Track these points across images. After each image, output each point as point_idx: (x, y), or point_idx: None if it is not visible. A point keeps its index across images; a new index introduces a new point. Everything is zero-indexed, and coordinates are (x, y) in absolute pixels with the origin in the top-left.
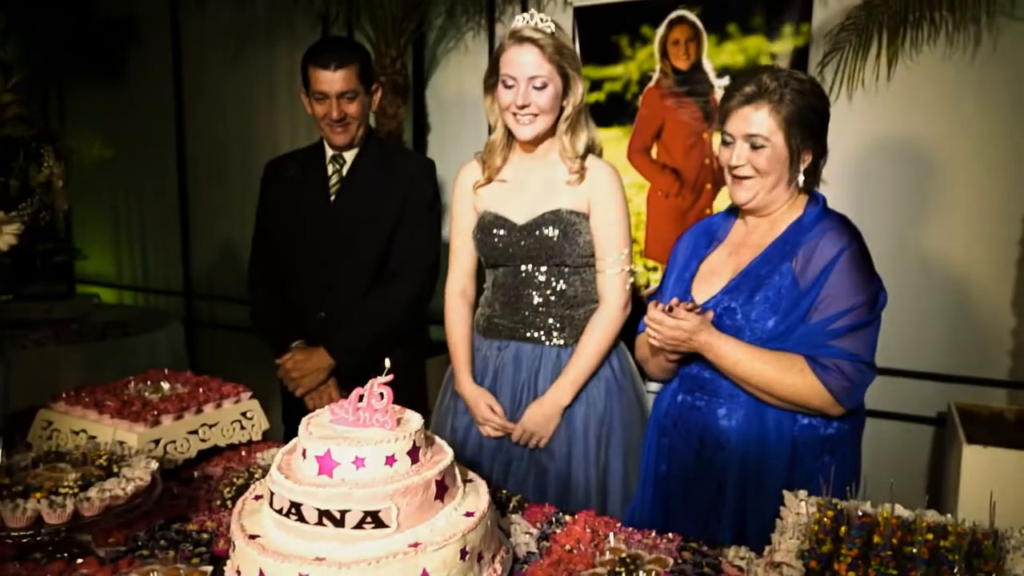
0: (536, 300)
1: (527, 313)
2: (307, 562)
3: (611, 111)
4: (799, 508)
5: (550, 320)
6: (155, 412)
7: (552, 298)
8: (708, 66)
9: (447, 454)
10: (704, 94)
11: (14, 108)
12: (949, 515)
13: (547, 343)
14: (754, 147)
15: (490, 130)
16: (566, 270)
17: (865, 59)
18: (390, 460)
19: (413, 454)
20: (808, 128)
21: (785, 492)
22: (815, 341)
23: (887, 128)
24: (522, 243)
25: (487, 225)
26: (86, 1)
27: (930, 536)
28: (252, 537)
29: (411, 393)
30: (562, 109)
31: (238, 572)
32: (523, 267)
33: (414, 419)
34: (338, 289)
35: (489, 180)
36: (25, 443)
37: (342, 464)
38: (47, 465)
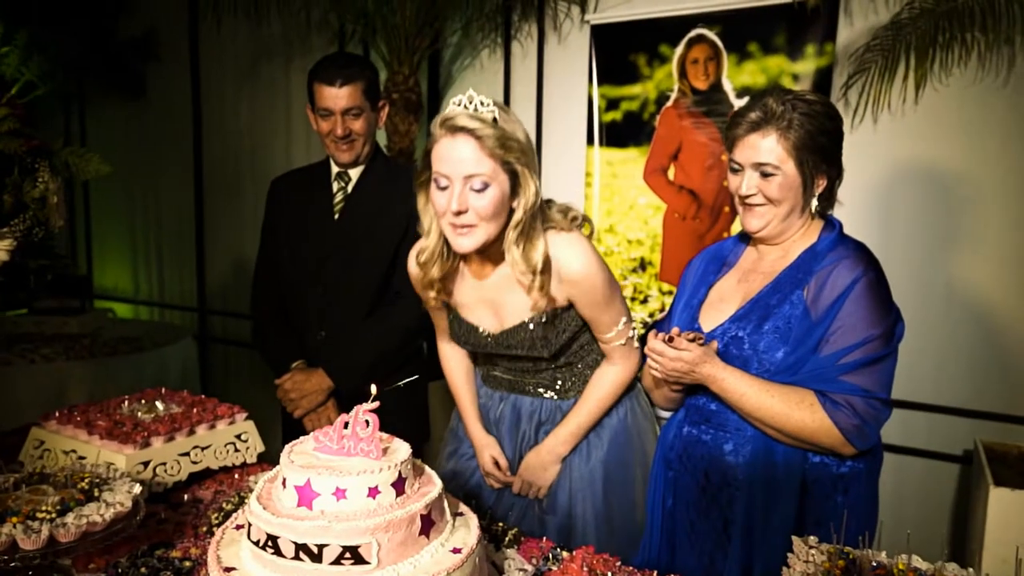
0: (534, 367)
1: (523, 371)
2: None
3: (628, 131)
4: (808, 556)
5: (548, 375)
6: (145, 433)
7: (549, 364)
8: (728, 86)
9: (435, 486)
10: (723, 114)
11: (8, 122)
12: (971, 570)
13: (548, 396)
14: (764, 175)
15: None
16: (559, 351)
17: (892, 81)
18: (373, 492)
19: (398, 486)
20: (820, 152)
21: (794, 538)
22: (826, 375)
23: (913, 153)
24: (504, 347)
25: (458, 329)
26: (107, 20)
27: None
28: (227, 569)
29: (413, 417)
30: (510, 213)
31: None
32: (511, 359)
33: (401, 449)
34: (340, 309)
35: (441, 294)
36: (18, 462)
37: (322, 495)
38: (30, 487)
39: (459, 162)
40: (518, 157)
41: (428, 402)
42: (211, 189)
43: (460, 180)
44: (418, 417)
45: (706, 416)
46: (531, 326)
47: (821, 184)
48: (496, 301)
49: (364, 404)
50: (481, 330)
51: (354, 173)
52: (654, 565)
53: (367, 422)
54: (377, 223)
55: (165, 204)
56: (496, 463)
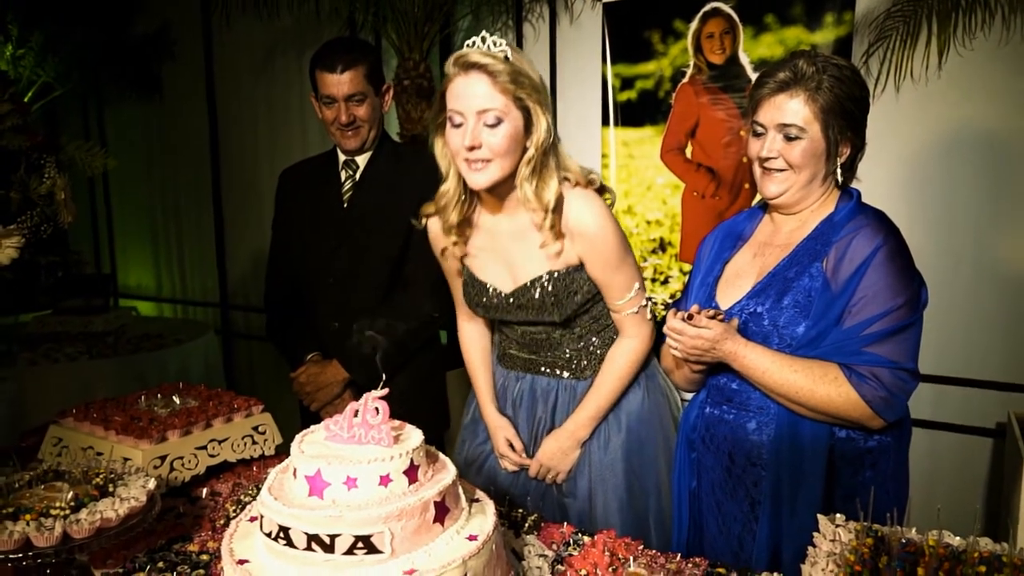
0: (545, 340)
1: (539, 349)
2: None
3: (643, 109)
4: (834, 534)
5: (567, 355)
6: (161, 428)
7: (562, 338)
8: (744, 60)
9: (449, 472)
10: (740, 89)
11: (12, 118)
12: (1005, 544)
13: (564, 376)
14: (788, 138)
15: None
16: (575, 317)
17: (914, 48)
18: (384, 480)
19: (410, 473)
20: (847, 118)
21: (819, 517)
22: (850, 347)
23: (938, 121)
24: (515, 307)
25: (472, 291)
26: (120, 19)
27: (982, 569)
28: (241, 562)
29: (431, 405)
30: (524, 151)
31: None
32: (524, 325)
33: (413, 436)
34: (353, 298)
35: (458, 244)
36: (38, 460)
37: (333, 485)
38: (45, 484)
39: (472, 98)
40: (530, 94)
41: (446, 390)
42: (229, 184)
43: (474, 116)
44: (436, 405)
45: (728, 396)
46: (543, 283)
47: (844, 153)
48: (510, 255)
49: (373, 392)
50: (494, 289)
51: (361, 160)
52: (683, 548)
53: (377, 410)
54: (386, 210)
55: (184, 201)
56: (511, 445)
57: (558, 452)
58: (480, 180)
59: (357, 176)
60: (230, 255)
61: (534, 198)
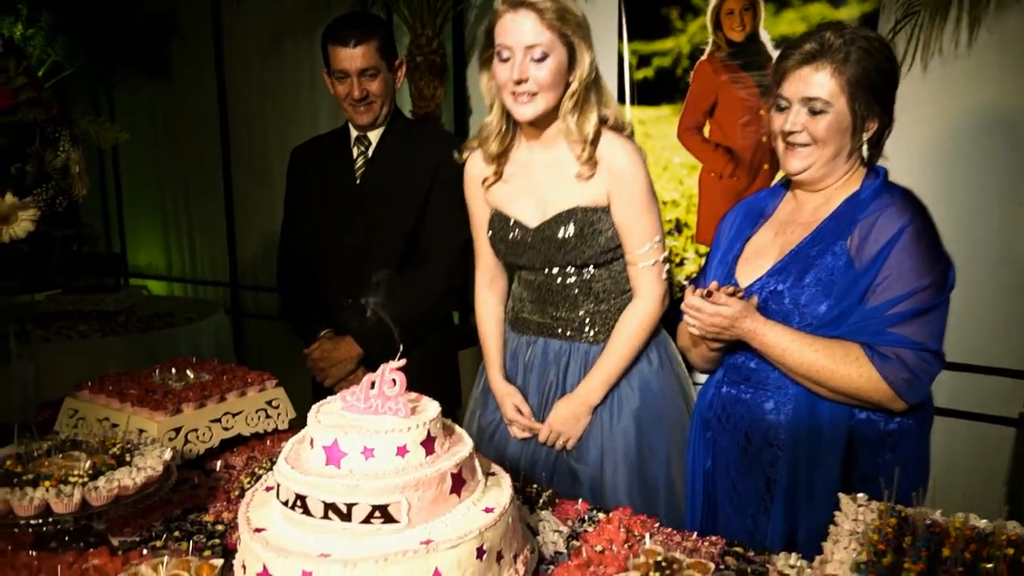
0: (561, 298)
1: (553, 310)
2: (311, 558)
3: (660, 88)
4: (856, 514)
5: (578, 316)
6: (176, 400)
7: (578, 294)
8: (765, 37)
9: (466, 445)
10: (761, 67)
11: (27, 91)
12: None
13: (577, 339)
14: (813, 112)
15: None
16: (591, 267)
17: (943, 25)
18: (401, 451)
19: (427, 444)
20: (874, 92)
21: (841, 496)
22: (873, 327)
23: (966, 100)
24: (538, 246)
25: (498, 226)
26: None
27: (1010, 551)
28: (258, 530)
29: (442, 385)
30: (567, 85)
31: (244, 567)
32: (544, 270)
33: (430, 407)
34: (366, 275)
35: (497, 175)
36: (54, 432)
37: (350, 454)
38: (63, 454)
39: (520, 33)
40: (575, 31)
41: (458, 369)
42: (239, 163)
43: (521, 51)
44: (448, 384)
45: (745, 375)
46: (569, 217)
47: (871, 128)
48: (541, 188)
49: (391, 363)
50: (521, 224)
51: (373, 136)
52: (696, 528)
53: (394, 381)
54: (399, 186)
55: (194, 181)
56: (519, 410)
57: (569, 417)
58: (526, 112)
59: (369, 152)
60: (240, 234)
61: (576, 130)
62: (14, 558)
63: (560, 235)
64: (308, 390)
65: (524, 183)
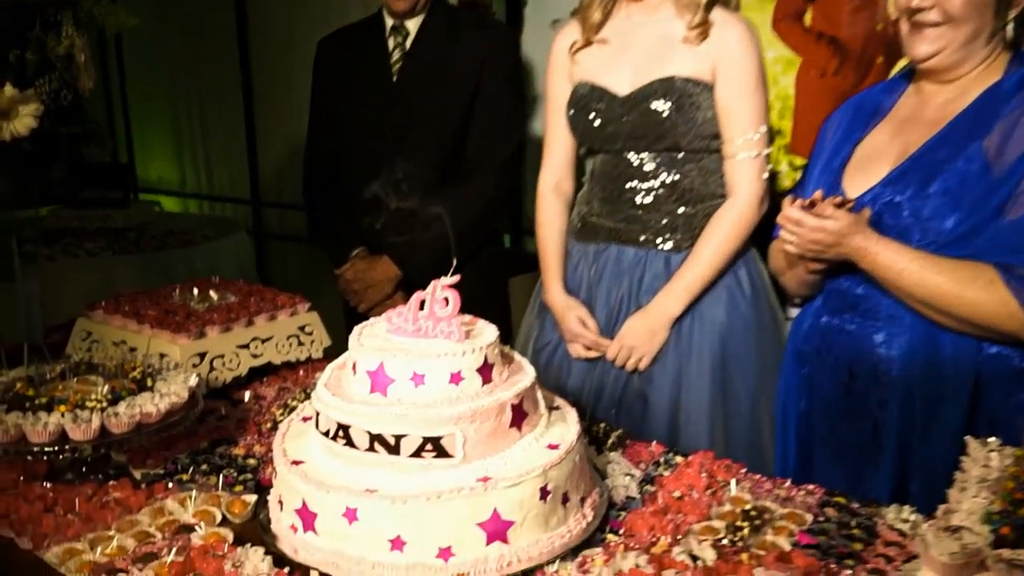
0: (642, 194)
1: (631, 210)
2: (356, 494)
3: None
4: (988, 459)
5: (659, 219)
6: (200, 323)
7: (662, 192)
8: None
9: (527, 374)
10: None
11: None
12: None
13: (655, 247)
14: None
15: None
16: (680, 156)
17: None
18: (455, 378)
19: (484, 372)
20: None
21: (969, 439)
22: (1010, 245)
23: None
24: (624, 119)
25: (582, 98)
26: None
27: None
28: (295, 463)
29: (490, 315)
30: None
31: (280, 502)
32: (626, 153)
33: (487, 331)
34: (404, 188)
35: (588, 42)
36: (64, 356)
37: (398, 381)
38: (78, 377)
39: None
40: None
41: (509, 299)
42: (259, 67)
43: None
44: (498, 315)
45: (851, 302)
46: (667, 86)
47: (1020, 3)
48: (638, 53)
49: (442, 279)
50: (609, 92)
51: (412, 26)
52: (783, 474)
53: (447, 300)
54: (441, 82)
55: (209, 87)
56: (583, 323)
57: (645, 332)
58: None
59: (407, 44)
60: (261, 146)
61: None
62: (27, 489)
63: (653, 107)
64: (338, 320)
65: (619, 48)
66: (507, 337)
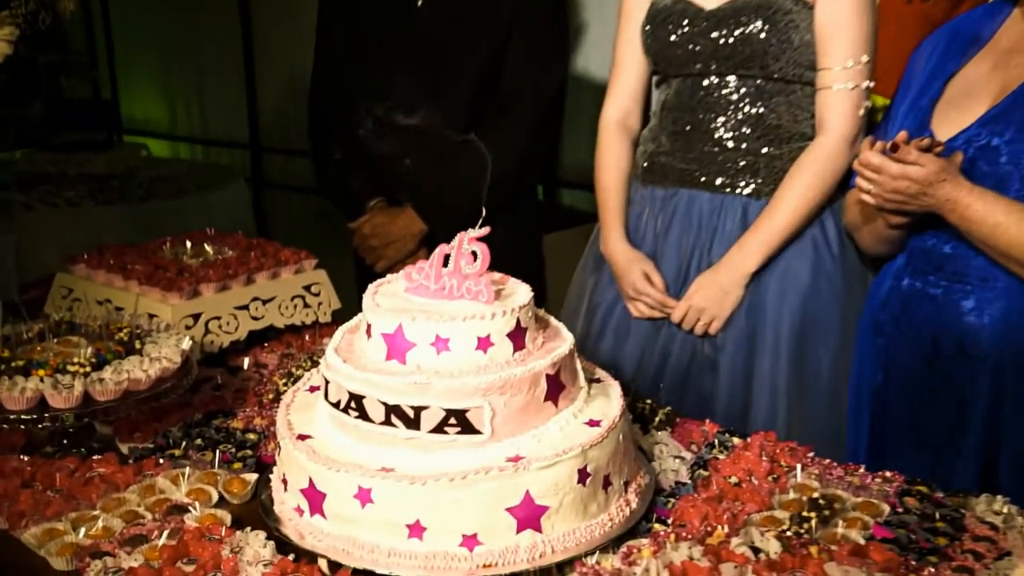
0: (721, 129)
1: (707, 148)
2: (369, 473)
3: None
4: None
5: (739, 159)
6: (193, 280)
7: (745, 127)
8: None
9: (565, 341)
10: None
11: None
12: None
13: (732, 192)
14: None
15: None
16: (768, 85)
17: None
18: (484, 343)
19: (516, 337)
20: None
21: None
22: None
23: None
24: (711, 35)
25: (662, 12)
26: None
27: None
28: (302, 437)
29: (523, 274)
30: None
31: (284, 482)
32: (707, 78)
33: (520, 291)
34: (428, 129)
35: None
36: (43, 314)
37: (418, 346)
38: (58, 338)
39: None
40: None
41: (543, 258)
42: None
43: None
44: (531, 275)
45: (937, 262)
46: (758, 8)
47: None
48: None
49: (469, 231)
50: (694, 5)
51: None
52: (856, 459)
53: (475, 255)
54: (473, 9)
55: (203, 14)
56: (648, 279)
57: (716, 291)
58: None
59: None
60: (262, 83)
61: None
62: (2, 462)
63: (745, 23)
64: (350, 282)
65: None
66: (541, 299)
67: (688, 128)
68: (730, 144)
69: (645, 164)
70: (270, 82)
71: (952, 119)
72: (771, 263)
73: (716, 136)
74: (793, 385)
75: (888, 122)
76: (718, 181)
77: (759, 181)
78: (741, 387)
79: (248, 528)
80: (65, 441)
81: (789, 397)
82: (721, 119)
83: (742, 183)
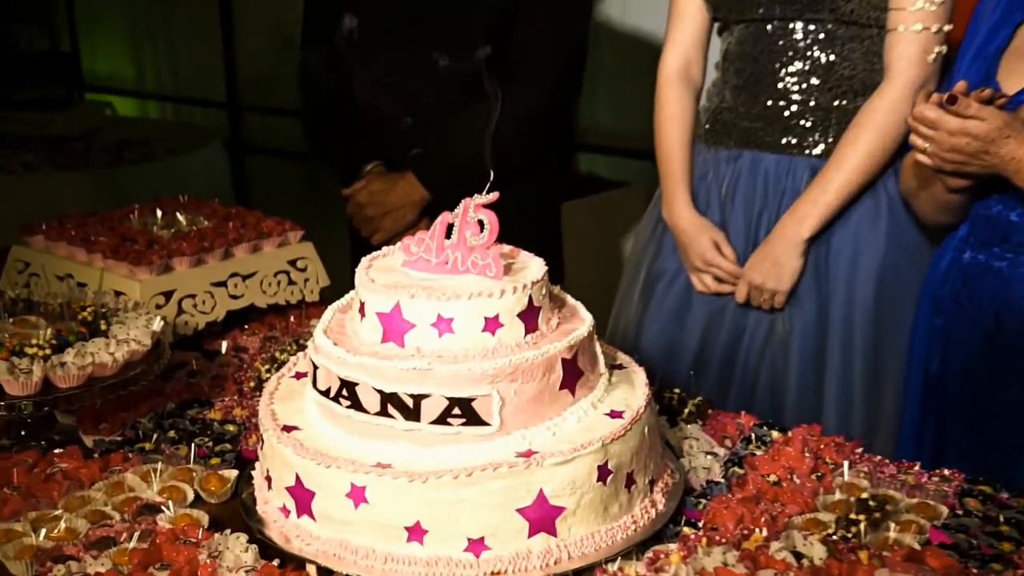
0: (787, 79)
1: (773, 102)
2: (363, 469)
3: None
4: None
5: (808, 115)
6: (164, 253)
7: (814, 77)
8: None
9: (583, 322)
10: None
11: None
12: None
13: (801, 152)
14: None
15: None
16: (841, 31)
17: None
18: (492, 324)
19: (528, 317)
20: None
21: None
22: None
23: None
24: None
25: None
26: None
27: None
28: (287, 429)
29: (537, 247)
30: None
31: (268, 479)
32: (772, 23)
33: (532, 265)
34: (433, 83)
35: None
36: None
37: (418, 327)
38: (14, 318)
39: None
40: None
41: (561, 229)
42: None
43: None
44: (547, 249)
45: (1002, 232)
46: None
47: None
48: None
49: (476, 197)
50: None
51: None
52: (911, 455)
53: (481, 224)
54: None
55: None
56: (718, 249)
57: (768, 263)
58: None
59: None
60: (241, 34)
61: None
62: None
63: None
64: (341, 257)
65: None
66: (557, 275)
67: (753, 79)
68: (797, 97)
69: (707, 123)
70: (251, 32)
71: (1020, 70)
72: (839, 228)
73: (782, 88)
74: (868, 375)
75: (952, 74)
76: (784, 140)
77: (830, 140)
78: (813, 376)
79: (228, 530)
80: (23, 433)
81: (867, 388)
82: (787, 69)
83: (812, 142)
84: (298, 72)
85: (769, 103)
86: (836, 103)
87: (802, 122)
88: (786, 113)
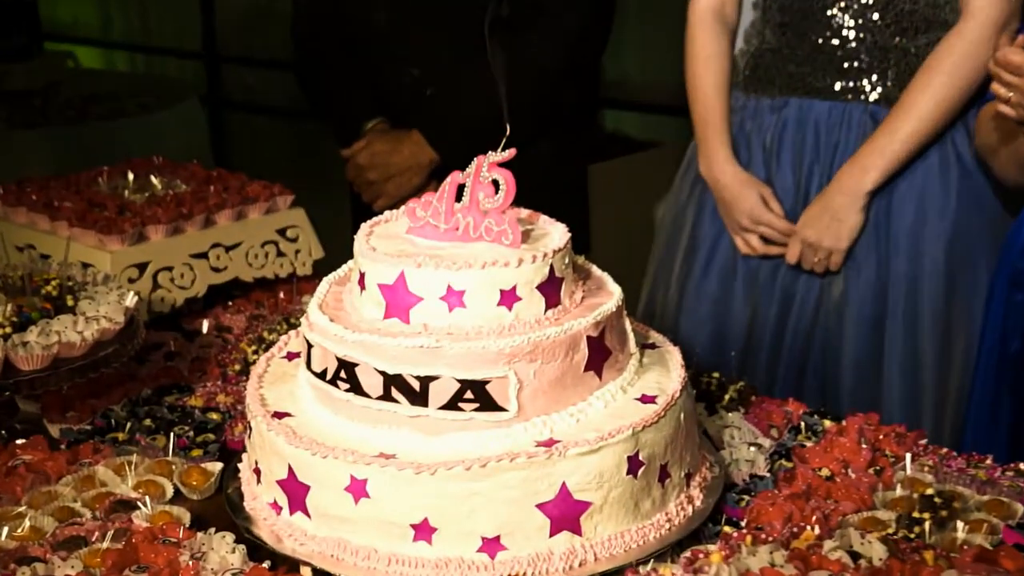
0: (840, 15)
1: (822, 41)
2: (364, 459)
3: None
4: None
5: (864, 55)
6: (137, 221)
7: (871, 12)
8: None
9: (611, 295)
10: None
11: None
12: None
13: (856, 98)
14: None
15: None
16: None
17: None
18: (509, 298)
19: (549, 290)
20: None
21: None
22: None
23: None
24: None
25: None
26: None
27: None
28: (278, 416)
29: (561, 212)
30: None
31: (256, 472)
32: None
33: (554, 232)
34: (442, 34)
35: None
36: None
37: (426, 300)
38: None
39: None
40: None
41: (587, 193)
42: None
43: None
44: (571, 214)
45: None
46: None
47: None
48: None
49: (490, 154)
50: None
51: None
52: (983, 445)
53: (496, 185)
54: None
55: None
56: (766, 204)
57: (826, 218)
58: None
59: None
60: None
61: None
62: None
63: None
64: (337, 225)
65: None
66: (583, 244)
67: (798, 20)
68: (851, 35)
69: (747, 68)
70: None
71: None
72: (902, 184)
73: (834, 25)
74: (938, 352)
75: None
76: (838, 86)
77: (888, 84)
78: (871, 350)
79: (212, 529)
80: None
81: (938, 366)
82: (837, 8)
83: (868, 87)
84: (293, 19)
85: (819, 42)
86: (896, 41)
87: (856, 63)
88: (839, 53)
